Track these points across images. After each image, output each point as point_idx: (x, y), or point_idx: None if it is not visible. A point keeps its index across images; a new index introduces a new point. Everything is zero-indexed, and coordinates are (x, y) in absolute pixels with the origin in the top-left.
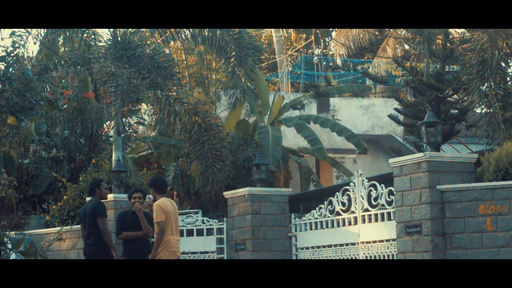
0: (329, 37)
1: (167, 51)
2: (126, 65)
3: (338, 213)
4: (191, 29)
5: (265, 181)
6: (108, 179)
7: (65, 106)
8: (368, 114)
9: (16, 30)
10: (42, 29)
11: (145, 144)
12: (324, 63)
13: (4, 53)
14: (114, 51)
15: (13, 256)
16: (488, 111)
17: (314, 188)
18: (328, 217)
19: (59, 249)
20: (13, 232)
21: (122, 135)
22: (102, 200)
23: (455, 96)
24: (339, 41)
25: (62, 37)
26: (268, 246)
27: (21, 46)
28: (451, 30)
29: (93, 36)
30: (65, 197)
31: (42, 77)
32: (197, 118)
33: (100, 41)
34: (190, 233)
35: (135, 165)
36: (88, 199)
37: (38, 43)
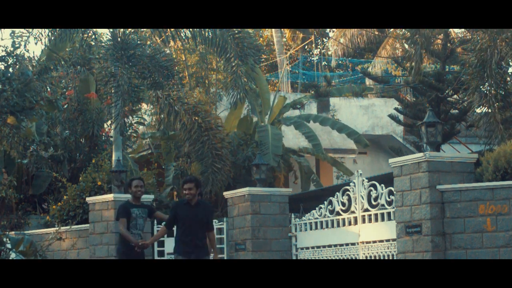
0: (327, 38)
1: (167, 51)
2: (126, 65)
3: (338, 213)
4: (191, 29)
5: (265, 181)
6: (108, 179)
7: (65, 106)
8: (368, 114)
9: (17, 30)
10: (44, 30)
11: (145, 144)
12: (324, 63)
13: (4, 53)
14: (114, 51)
15: (12, 256)
16: (488, 111)
17: (314, 188)
18: (328, 217)
19: (59, 249)
20: (13, 232)
21: (122, 135)
22: (135, 196)
23: (455, 96)
24: (337, 40)
25: (63, 37)
26: (268, 246)
27: (21, 46)
28: (451, 30)
29: (93, 37)
30: (65, 197)
31: (42, 77)
32: (197, 118)
33: (101, 42)
34: None
35: (136, 164)
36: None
37: (39, 43)
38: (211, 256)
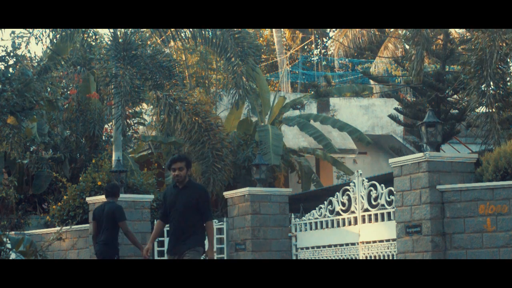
0: (327, 37)
1: (167, 51)
2: (128, 66)
3: (338, 213)
4: (191, 29)
5: (265, 181)
6: (108, 179)
7: (66, 106)
8: (368, 114)
9: (17, 30)
10: (45, 30)
11: (145, 144)
12: (324, 63)
13: (4, 53)
14: (115, 52)
15: (13, 256)
16: (486, 110)
17: (314, 188)
18: (328, 217)
19: (59, 249)
20: (13, 232)
21: (124, 136)
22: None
23: (455, 96)
24: (338, 41)
25: (63, 37)
26: (268, 246)
27: (21, 47)
28: (451, 30)
29: (94, 37)
30: (65, 197)
31: (42, 77)
32: (197, 118)
33: (101, 42)
34: None
35: (136, 164)
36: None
37: (40, 43)
38: (203, 254)
